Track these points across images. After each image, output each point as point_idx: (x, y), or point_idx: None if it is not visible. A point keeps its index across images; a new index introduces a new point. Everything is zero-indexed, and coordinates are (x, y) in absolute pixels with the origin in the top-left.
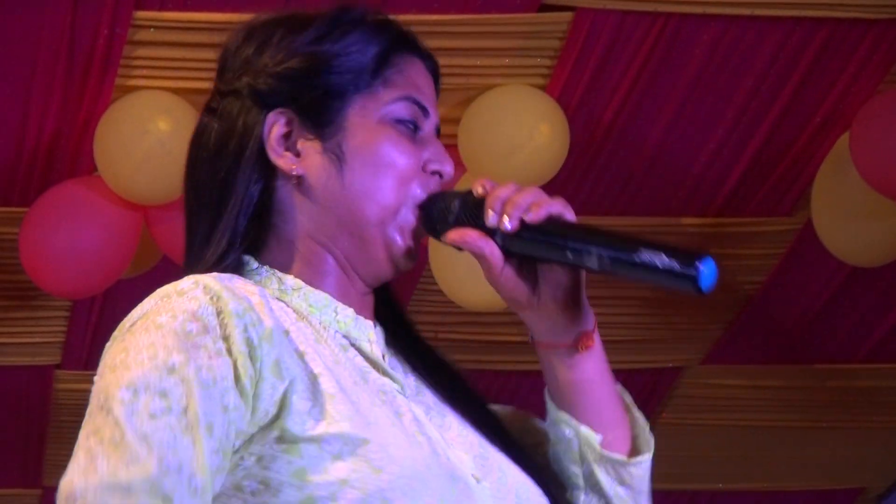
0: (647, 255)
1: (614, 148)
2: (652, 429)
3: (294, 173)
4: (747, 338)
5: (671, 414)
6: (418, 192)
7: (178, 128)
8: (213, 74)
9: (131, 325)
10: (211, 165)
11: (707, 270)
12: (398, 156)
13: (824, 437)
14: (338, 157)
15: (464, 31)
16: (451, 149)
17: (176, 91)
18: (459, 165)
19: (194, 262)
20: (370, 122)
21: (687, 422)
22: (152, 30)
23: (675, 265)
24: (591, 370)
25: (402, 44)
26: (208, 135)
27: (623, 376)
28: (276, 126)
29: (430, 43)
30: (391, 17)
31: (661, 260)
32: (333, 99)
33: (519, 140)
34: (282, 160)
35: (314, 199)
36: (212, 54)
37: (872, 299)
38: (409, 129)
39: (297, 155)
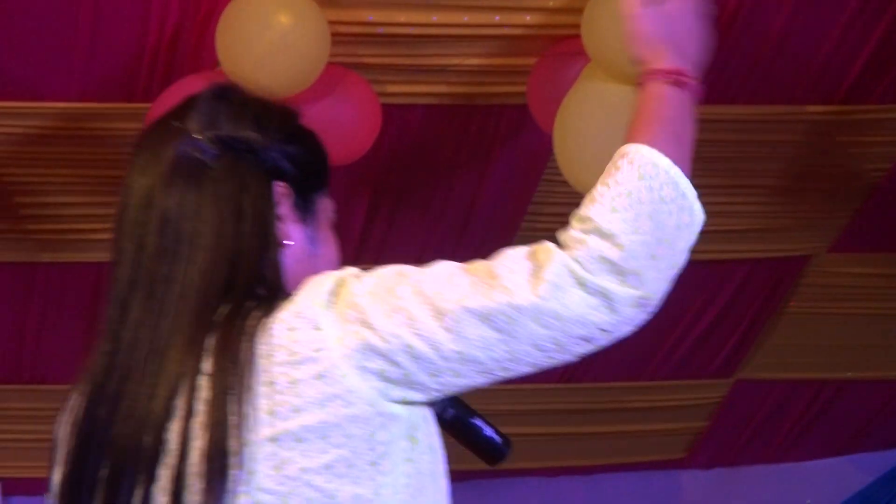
0: (479, 421)
1: (738, 36)
2: (780, 318)
3: (285, 244)
4: (874, 225)
5: (799, 303)
6: None
7: (300, 21)
8: None
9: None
10: (218, 211)
11: (508, 454)
12: (338, 256)
13: None
14: (312, 243)
15: None
16: (575, 38)
17: None
18: (583, 55)
19: (207, 289)
20: (326, 221)
21: (814, 310)
22: None
23: (496, 437)
24: None
25: None
26: (209, 179)
27: (749, 265)
28: (278, 198)
29: None
30: None
31: (487, 429)
32: (316, 192)
33: None
34: (279, 230)
35: (287, 268)
36: None
37: None
38: None
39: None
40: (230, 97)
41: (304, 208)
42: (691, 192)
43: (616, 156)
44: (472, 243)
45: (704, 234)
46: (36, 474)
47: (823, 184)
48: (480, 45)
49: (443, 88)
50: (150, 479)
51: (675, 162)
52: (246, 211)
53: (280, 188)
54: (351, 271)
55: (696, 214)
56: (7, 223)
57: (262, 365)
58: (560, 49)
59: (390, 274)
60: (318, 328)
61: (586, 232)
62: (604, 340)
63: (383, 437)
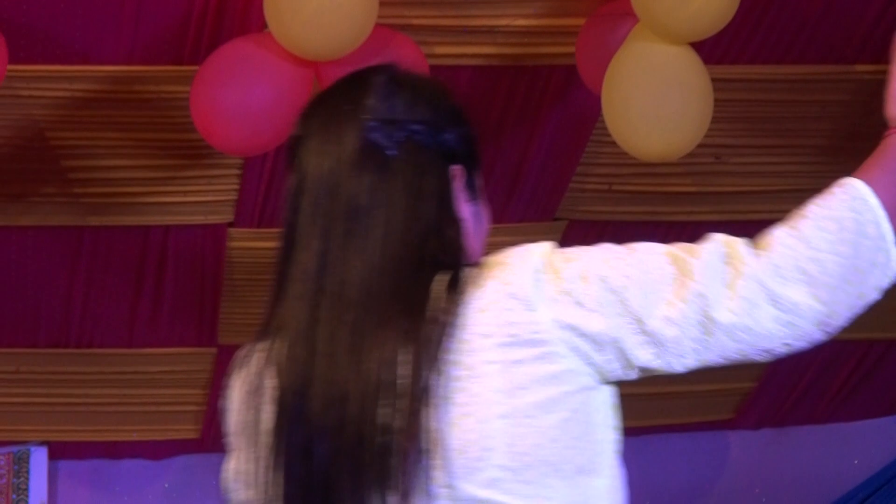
0: None
1: None
2: None
3: (462, 224)
4: None
5: None
6: None
7: None
8: None
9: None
10: (406, 198)
11: None
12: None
13: None
14: (477, 219)
15: None
16: None
17: None
18: (632, 15)
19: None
20: (483, 197)
21: None
22: None
23: None
24: None
25: None
26: (394, 166)
27: None
28: (454, 180)
29: None
30: None
31: None
32: (479, 170)
33: None
34: (458, 212)
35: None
36: None
37: None
38: None
39: None
40: (401, 80)
41: (471, 186)
42: (891, 237)
43: (834, 184)
44: (520, 204)
45: (753, 195)
46: (81, 438)
47: (872, 143)
48: (528, 6)
49: (491, 49)
50: (378, 465)
51: (886, 206)
52: (430, 197)
53: (455, 170)
54: (554, 248)
55: (892, 259)
56: (55, 187)
57: (481, 344)
58: (608, 9)
59: (597, 257)
60: (532, 309)
61: (792, 237)
62: (783, 353)
63: (593, 409)
